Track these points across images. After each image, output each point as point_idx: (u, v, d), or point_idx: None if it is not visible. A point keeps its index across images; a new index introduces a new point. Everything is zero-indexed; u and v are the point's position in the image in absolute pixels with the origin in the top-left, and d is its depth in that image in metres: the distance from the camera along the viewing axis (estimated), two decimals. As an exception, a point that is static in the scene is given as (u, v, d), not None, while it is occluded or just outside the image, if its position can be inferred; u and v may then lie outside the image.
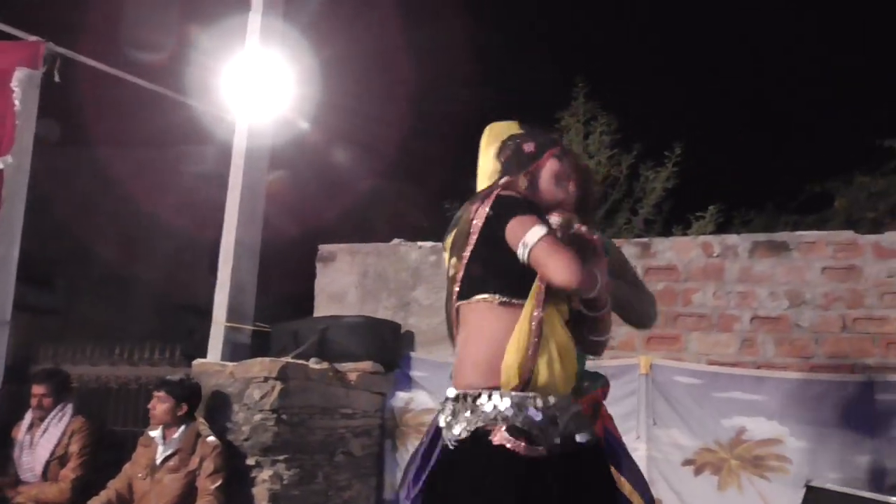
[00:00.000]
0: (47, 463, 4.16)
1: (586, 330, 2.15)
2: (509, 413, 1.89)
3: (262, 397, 3.91)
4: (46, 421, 4.21)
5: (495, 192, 2.06)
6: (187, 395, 3.80)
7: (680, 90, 9.54)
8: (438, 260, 4.90)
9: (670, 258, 4.48)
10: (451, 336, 2.14)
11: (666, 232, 6.06)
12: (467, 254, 2.03)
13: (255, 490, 3.84)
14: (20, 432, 4.28)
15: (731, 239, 4.45)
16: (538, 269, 1.94)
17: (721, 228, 5.99)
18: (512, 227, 1.97)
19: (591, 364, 4.43)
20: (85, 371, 4.75)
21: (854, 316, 4.12)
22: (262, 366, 3.95)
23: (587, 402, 2.40)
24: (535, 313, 1.94)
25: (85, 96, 6.45)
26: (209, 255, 5.56)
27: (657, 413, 4.17)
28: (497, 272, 2.01)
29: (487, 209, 2.02)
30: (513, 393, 1.92)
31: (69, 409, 4.27)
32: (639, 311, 2.61)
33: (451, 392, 2.02)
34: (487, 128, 2.33)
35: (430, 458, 2.01)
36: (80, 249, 8.62)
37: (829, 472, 3.85)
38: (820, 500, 3.26)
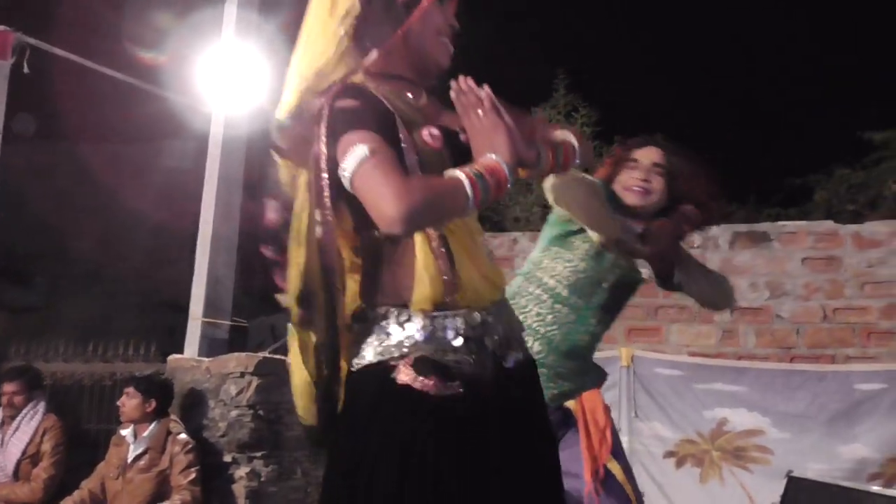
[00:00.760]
0: (18, 462, 4.07)
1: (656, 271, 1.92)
2: (420, 338, 1.46)
3: (238, 393, 3.86)
4: (18, 419, 4.12)
5: (329, 105, 1.47)
6: (155, 391, 3.73)
7: (661, 83, 9.56)
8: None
9: (651, 249, 4.46)
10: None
11: (647, 224, 6.04)
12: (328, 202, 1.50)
13: (233, 487, 3.79)
14: (-9, 431, 4.20)
15: (712, 230, 4.43)
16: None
17: (703, 221, 5.97)
18: (340, 152, 1.42)
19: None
20: (58, 368, 4.67)
21: (834, 306, 4.12)
22: (237, 361, 3.90)
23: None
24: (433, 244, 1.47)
25: (61, 89, 6.35)
26: (190, 249, 5.49)
27: (638, 405, 4.16)
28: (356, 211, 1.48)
29: (323, 133, 1.46)
30: (426, 313, 1.47)
31: (41, 406, 4.18)
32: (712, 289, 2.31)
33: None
34: None
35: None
36: (59, 245, 8.50)
37: (810, 462, 3.85)
38: (802, 491, 3.24)
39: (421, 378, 1.44)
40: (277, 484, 3.91)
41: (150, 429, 3.67)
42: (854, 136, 6.94)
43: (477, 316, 1.51)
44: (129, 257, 8.76)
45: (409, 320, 1.48)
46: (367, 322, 1.53)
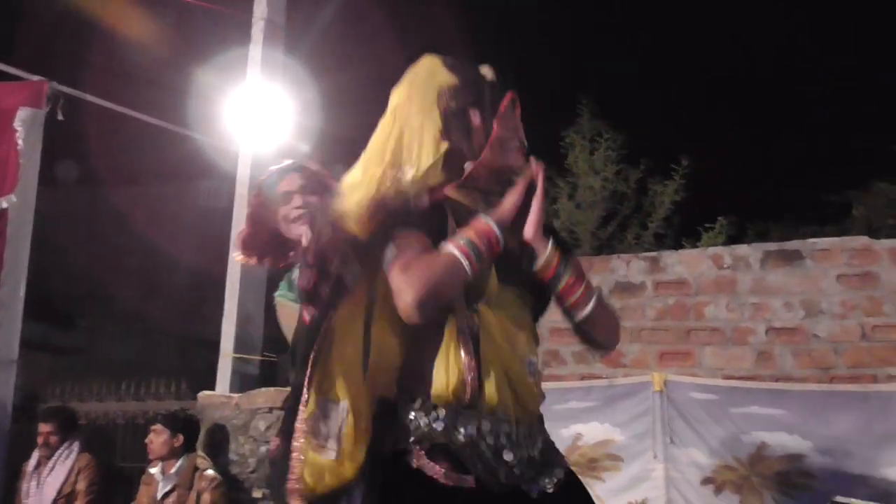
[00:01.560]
0: (54, 501, 4.12)
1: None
2: (437, 428, 1.50)
3: (267, 429, 3.87)
4: (53, 459, 4.19)
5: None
6: (181, 427, 3.76)
7: (687, 103, 9.48)
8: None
9: (680, 272, 4.37)
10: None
11: (677, 246, 5.97)
12: None
13: (262, 523, 3.78)
14: (27, 471, 4.26)
15: (742, 249, 4.34)
16: None
17: (734, 241, 5.88)
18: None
19: (602, 383, 4.29)
20: (92, 407, 4.74)
21: (873, 324, 3.98)
22: (266, 396, 3.91)
23: None
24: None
25: (95, 135, 6.53)
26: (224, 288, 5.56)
27: (674, 431, 4.04)
28: None
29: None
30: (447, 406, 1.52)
31: (76, 446, 4.24)
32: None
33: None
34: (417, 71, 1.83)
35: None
36: (100, 288, 8.69)
37: (855, 487, 3.70)
38: (846, 517, 3.12)
39: (432, 464, 1.49)
40: (308, 519, 3.89)
41: (177, 465, 3.69)
42: (892, 150, 6.79)
43: (504, 427, 1.53)
44: (166, 297, 8.91)
45: (433, 410, 1.52)
46: (392, 405, 1.59)
